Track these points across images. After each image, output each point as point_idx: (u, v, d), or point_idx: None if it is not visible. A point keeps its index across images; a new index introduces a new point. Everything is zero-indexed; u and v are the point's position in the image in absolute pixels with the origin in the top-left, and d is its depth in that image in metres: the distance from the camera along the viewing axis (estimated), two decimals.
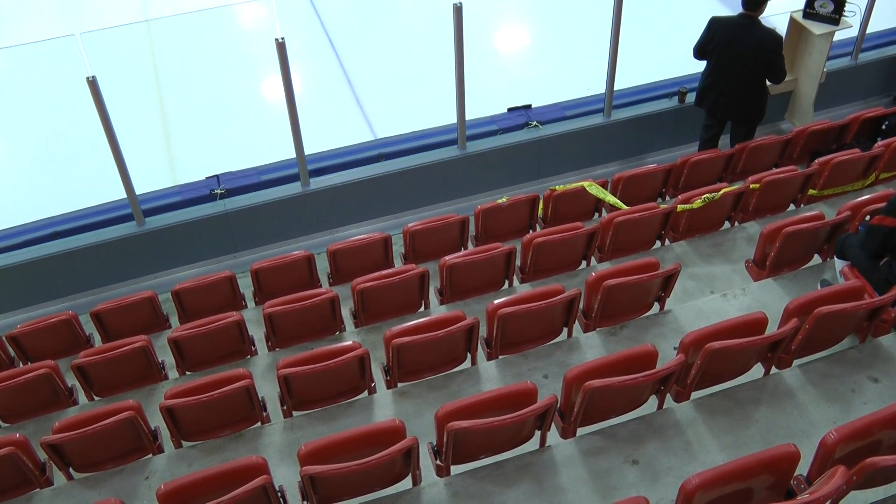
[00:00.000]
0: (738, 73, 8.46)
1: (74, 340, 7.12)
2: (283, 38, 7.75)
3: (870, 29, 10.26)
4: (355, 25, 13.93)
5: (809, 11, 9.39)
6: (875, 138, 8.85)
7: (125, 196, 8.40)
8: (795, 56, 9.77)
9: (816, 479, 4.22)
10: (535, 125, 9.62)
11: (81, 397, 6.52)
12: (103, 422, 5.24)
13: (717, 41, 8.42)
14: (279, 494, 4.74)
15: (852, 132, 9.03)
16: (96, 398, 6.49)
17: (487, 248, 7.00)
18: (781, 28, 9.14)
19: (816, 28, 9.37)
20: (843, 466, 3.95)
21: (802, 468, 4.32)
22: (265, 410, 5.84)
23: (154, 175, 9.79)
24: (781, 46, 8.37)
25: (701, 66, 8.83)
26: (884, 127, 8.95)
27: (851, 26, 9.54)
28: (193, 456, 5.58)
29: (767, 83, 8.62)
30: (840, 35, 9.68)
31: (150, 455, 5.61)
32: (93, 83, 7.44)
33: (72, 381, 6.46)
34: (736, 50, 8.35)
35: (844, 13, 9.29)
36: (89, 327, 7.26)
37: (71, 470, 5.48)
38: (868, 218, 6.10)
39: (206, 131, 11.49)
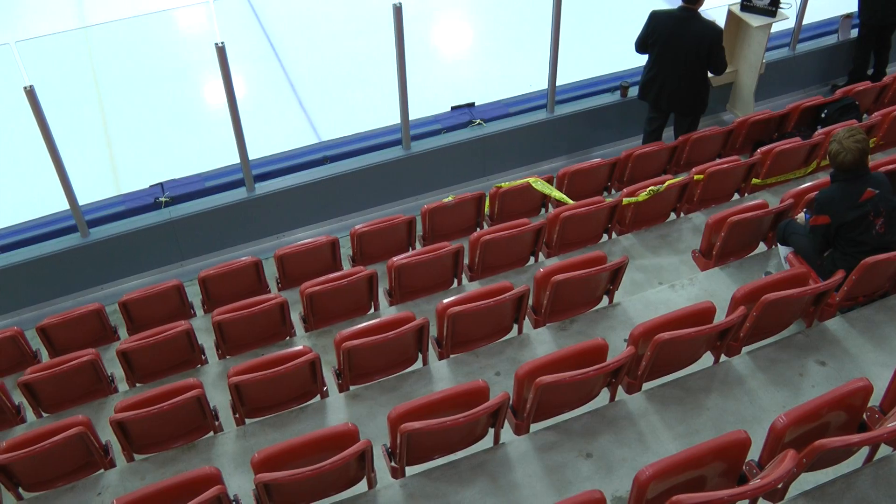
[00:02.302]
0: (680, 65, 8.53)
1: (20, 357, 6.99)
2: (222, 43, 7.68)
3: (806, 20, 10.41)
4: (296, 28, 13.85)
5: (747, 4, 9.56)
6: (815, 127, 8.97)
7: (68, 207, 8.28)
8: (735, 48, 9.88)
9: (768, 464, 4.27)
10: (479, 123, 9.63)
11: (29, 415, 6.41)
12: (52, 439, 5.15)
13: (657, 35, 8.49)
14: None
15: (793, 121, 9.15)
16: (45, 415, 6.38)
17: (435, 247, 6.99)
18: (720, 21, 9.23)
19: (754, 20, 9.51)
20: (793, 450, 4.00)
21: (754, 453, 4.37)
22: (217, 419, 5.79)
23: (97, 185, 9.66)
24: (721, 38, 8.46)
25: (642, 59, 8.89)
26: (823, 115, 9.08)
27: (788, 18, 9.69)
28: (146, 469, 5.51)
29: (709, 75, 8.72)
30: (778, 26, 9.82)
31: (102, 470, 5.53)
32: (30, 93, 7.31)
33: (19, 398, 6.35)
34: (676, 43, 8.42)
35: (781, 5, 9.43)
36: (35, 343, 7.14)
37: (20, 490, 5.38)
38: (807, 218, 6.17)
39: (149, 139, 11.36)
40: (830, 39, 10.85)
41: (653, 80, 8.81)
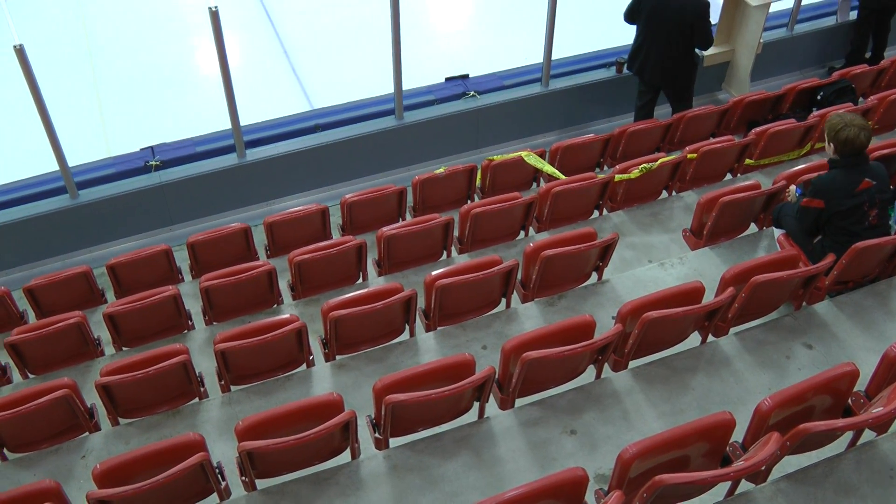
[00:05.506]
0: (664, 38, 8.58)
1: (7, 317, 6.97)
2: (216, 7, 7.60)
3: (805, 1, 10.37)
4: None
5: None
6: (810, 108, 8.96)
7: (58, 168, 8.22)
8: (732, 27, 9.85)
9: (751, 446, 4.28)
10: (473, 95, 9.59)
11: (15, 375, 6.40)
12: (38, 401, 5.13)
13: (645, 6, 8.52)
14: (217, 471, 4.69)
15: (788, 102, 9.13)
16: (31, 376, 6.36)
17: (425, 218, 6.97)
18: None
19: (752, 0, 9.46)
20: (777, 433, 4.00)
21: (738, 434, 4.38)
22: (203, 386, 5.77)
23: (87, 147, 9.60)
24: (707, 13, 8.44)
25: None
26: (819, 97, 9.06)
27: None
28: (130, 433, 5.50)
29: (699, 51, 8.69)
30: (776, 6, 9.78)
31: (87, 433, 5.51)
32: (20, 52, 7.23)
33: (5, 359, 6.33)
34: (662, 15, 8.47)
35: None
36: (22, 303, 7.11)
37: (5, 450, 5.38)
38: (798, 193, 6.14)
39: (141, 102, 11.29)
40: (829, 21, 10.82)
41: (638, 51, 8.89)
